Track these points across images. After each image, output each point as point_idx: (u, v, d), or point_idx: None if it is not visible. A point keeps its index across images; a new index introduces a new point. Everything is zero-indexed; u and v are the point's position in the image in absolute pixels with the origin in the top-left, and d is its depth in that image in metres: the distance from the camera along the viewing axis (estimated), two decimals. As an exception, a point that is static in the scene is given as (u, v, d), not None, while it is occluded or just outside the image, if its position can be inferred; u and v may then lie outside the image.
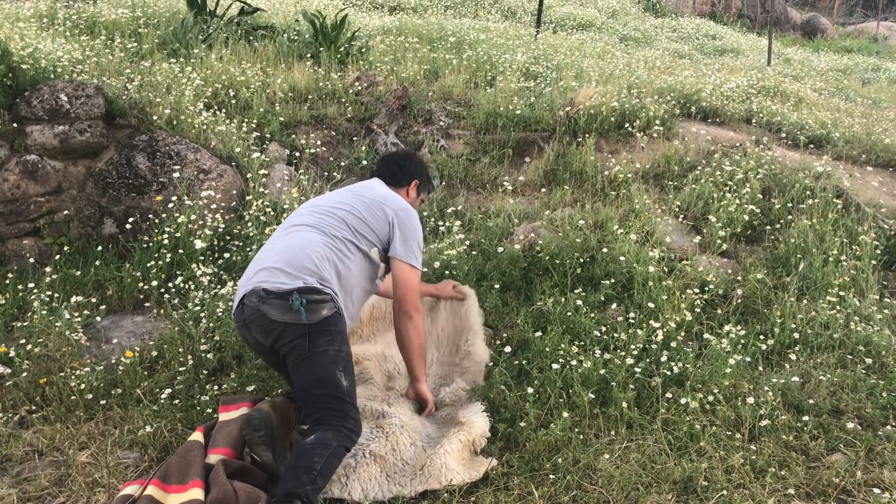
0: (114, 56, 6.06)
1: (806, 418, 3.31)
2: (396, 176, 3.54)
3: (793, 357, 3.77)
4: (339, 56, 7.01)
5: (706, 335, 3.88)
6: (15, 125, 4.69)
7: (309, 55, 7.05)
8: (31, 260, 4.53)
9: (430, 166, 5.57)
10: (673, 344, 3.75)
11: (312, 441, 2.71)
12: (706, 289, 4.26)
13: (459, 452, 2.93)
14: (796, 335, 3.93)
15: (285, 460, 2.87)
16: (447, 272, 4.36)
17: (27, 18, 6.68)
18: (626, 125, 6.00)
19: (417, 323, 3.24)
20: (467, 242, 4.67)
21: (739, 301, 4.22)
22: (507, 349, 3.72)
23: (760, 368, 3.72)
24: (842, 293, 4.28)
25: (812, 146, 6.21)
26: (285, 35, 7.39)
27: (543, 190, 5.41)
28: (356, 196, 3.30)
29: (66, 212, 4.73)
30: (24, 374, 3.47)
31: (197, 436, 2.92)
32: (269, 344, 2.96)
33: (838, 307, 4.16)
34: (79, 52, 5.78)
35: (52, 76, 5.04)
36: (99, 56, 5.95)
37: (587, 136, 5.79)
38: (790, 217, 4.98)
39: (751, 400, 3.34)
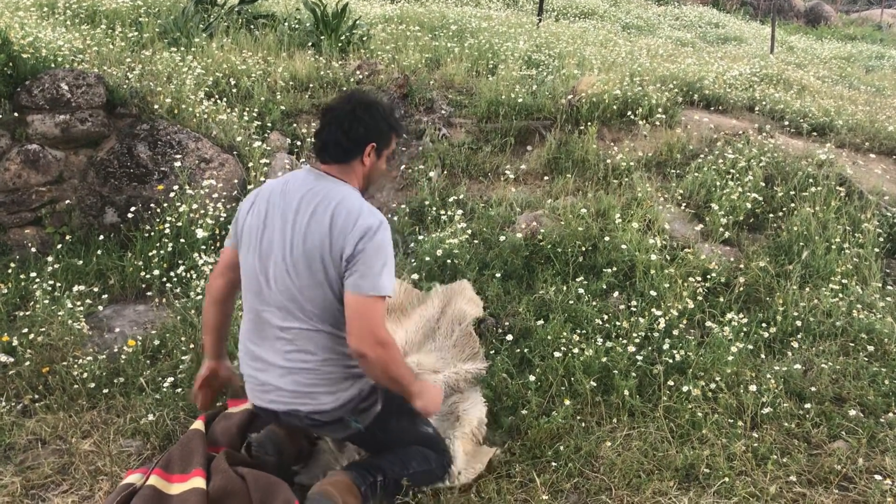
0: (114, 45, 6.04)
1: (808, 406, 3.31)
2: (342, 149, 2.57)
3: (795, 345, 3.77)
4: (340, 44, 6.98)
5: (708, 323, 3.88)
6: (16, 114, 4.69)
7: (310, 44, 7.03)
8: (33, 249, 4.53)
9: (431, 155, 5.56)
10: (675, 332, 3.75)
11: (419, 450, 2.72)
12: (708, 277, 4.25)
13: (462, 448, 2.93)
14: (798, 323, 3.93)
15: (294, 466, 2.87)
16: (449, 261, 4.35)
17: (27, 7, 6.66)
18: (629, 113, 5.97)
19: (394, 356, 2.47)
20: (469, 231, 4.66)
21: (741, 289, 4.22)
22: (509, 337, 3.72)
23: (762, 356, 3.71)
24: (844, 281, 4.28)
25: (815, 134, 6.19)
26: (286, 24, 7.37)
27: (545, 178, 5.39)
28: (290, 248, 2.49)
29: (67, 201, 4.73)
30: (27, 363, 3.48)
31: (198, 424, 2.92)
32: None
33: (841, 295, 4.16)
34: (79, 42, 5.77)
35: (53, 65, 5.03)
36: (100, 45, 5.93)
37: (589, 124, 5.78)
38: (793, 205, 4.96)
39: (753, 388, 3.34)
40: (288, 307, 2.49)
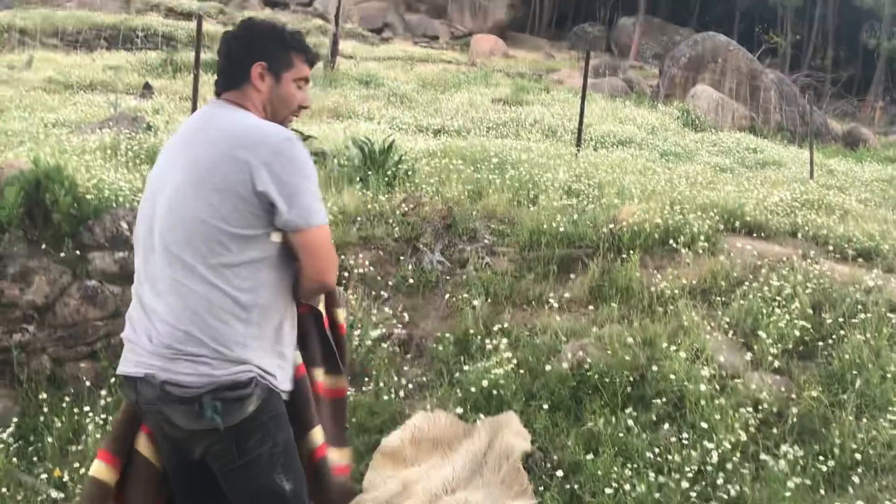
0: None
1: (874, 546, 3.17)
2: (226, 74, 2.34)
3: (856, 479, 3.64)
4: (386, 179, 7.24)
5: (762, 456, 3.78)
6: (77, 252, 4.90)
7: (358, 179, 7.30)
8: (88, 383, 4.63)
9: (474, 283, 5.63)
10: (728, 465, 3.66)
11: None
12: (760, 407, 4.17)
13: None
14: (858, 456, 3.80)
15: None
16: (494, 392, 4.34)
17: (93, 150, 7.06)
18: (671, 241, 6.03)
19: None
20: (514, 361, 4.66)
21: (795, 420, 4.12)
22: (559, 473, 3.66)
23: (822, 492, 3.58)
24: (903, 411, 4.16)
25: (861, 259, 6.16)
26: (335, 160, 7.68)
27: (590, 306, 5.42)
28: (196, 176, 2.18)
29: (122, 334, 4.86)
30: (77, 498, 3.50)
31: None
32: (176, 444, 2.33)
33: (900, 426, 4.03)
34: (139, 181, 6.07)
35: (114, 205, 5.29)
36: (158, 184, 6.23)
37: (631, 252, 5.83)
38: (843, 332, 4.89)
39: (814, 526, 3.22)
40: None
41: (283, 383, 2.33)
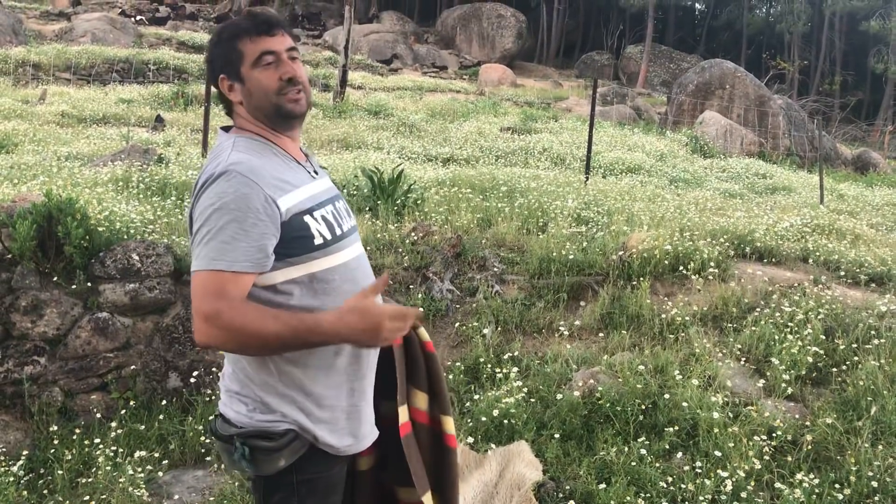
0: (183, 215, 6.38)
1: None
2: (222, 103, 2.17)
3: (873, 508, 3.59)
4: (395, 208, 7.26)
5: (777, 484, 3.73)
6: (89, 284, 4.93)
7: (367, 208, 7.33)
8: (98, 415, 4.63)
9: (484, 311, 5.62)
10: (743, 494, 3.62)
11: None
12: (773, 435, 4.12)
13: None
14: (874, 483, 3.75)
15: None
16: (505, 421, 4.31)
17: (105, 183, 7.12)
18: (681, 268, 6.01)
19: (231, 318, 1.83)
20: (525, 389, 4.64)
21: (810, 447, 4.07)
22: (571, 503, 3.62)
23: (839, 521, 3.53)
24: (919, 438, 4.10)
25: (873, 284, 6.12)
26: (345, 190, 7.72)
27: (600, 334, 5.39)
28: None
29: (133, 366, 4.87)
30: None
31: None
32: None
33: (917, 453, 3.98)
34: (150, 213, 6.12)
35: (126, 237, 5.32)
36: (169, 215, 6.28)
37: (641, 279, 5.82)
38: (856, 358, 4.85)
39: (831, 556, 3.17)
40: None
41: (335, 439, 2.05)
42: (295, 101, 2.06)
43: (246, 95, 2.05)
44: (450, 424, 2.31)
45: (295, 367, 2.00)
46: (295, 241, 1.97)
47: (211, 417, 2.12)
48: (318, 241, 2.01)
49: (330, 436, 2.03)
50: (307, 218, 2.00)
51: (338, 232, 2.08)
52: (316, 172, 2.18)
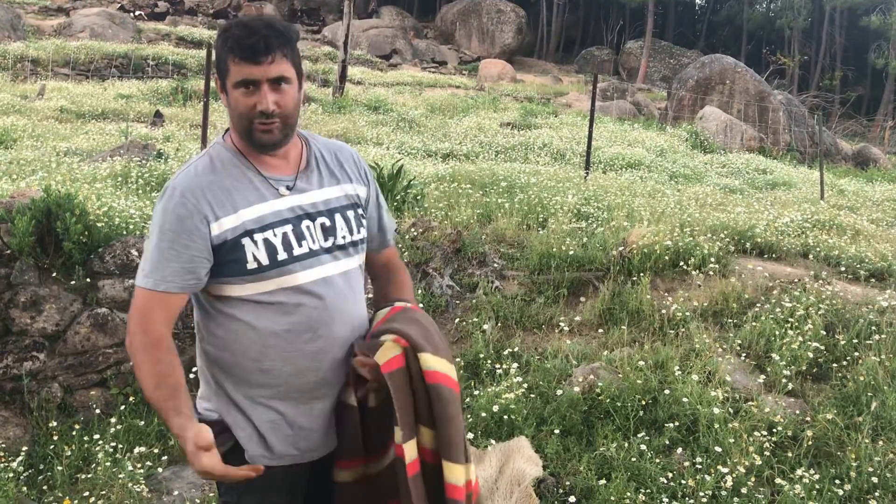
0: (182, 210, 6.36)
1: (894, 572, 3.11)
2: None
3: (873, 503, 3.58)
4: (395, 203, 7.25)
5: (778, 480, 3.73)
6: (88, 280, 4.92)
7: (367, 204, 7.31)
8: (97, 411, 4.62)
9: (484, 307, 5.61)
10: (743, 490, 3.61)
11: None
12: (774, 430, 4.12)
13: None
14: (875, 479, 3.75)
15: None
16: (505, 417, 4.31)
17: (104, 178, 7.11)
18: (681, 263, 6.00)
19: (134, 346, 2.00)
20: (525, 385, 4.63)
21: (810, 443, 4.07)
22: (571, 499, 3.62)
23: (839, 516, 3.53)
24: (920, 433, 4.10)
25: (874, 279, 6.11)
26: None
27: (601, 330, 5.39)
28: None
29: (131, 362, 4.86)
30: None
31: None
32: None
33: (918, 449, 3.98)
34: (149, 209, 6.10)
35: (125, 232, 5.31)
36: (168, 211, 6.26)
37: (642, 274, 5.81)
38: (857, 354, 4.85)
39: (832, 552, 3.17)
40: None
41: (251, 447, 2.05)
42: (264, 132, 1.99)
43: (228, 107, 2.03)
44: (453, 472, 2.01)
45: (221, 373, 2.08)
46: (227, 265, 1.99)
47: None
48: (250, 265, 1.98)
49: (248, 442, 2.06)
50: (245, 240, 1.98)
51: (285, 256, 2.00)
52: (291, 188, 2.06)
